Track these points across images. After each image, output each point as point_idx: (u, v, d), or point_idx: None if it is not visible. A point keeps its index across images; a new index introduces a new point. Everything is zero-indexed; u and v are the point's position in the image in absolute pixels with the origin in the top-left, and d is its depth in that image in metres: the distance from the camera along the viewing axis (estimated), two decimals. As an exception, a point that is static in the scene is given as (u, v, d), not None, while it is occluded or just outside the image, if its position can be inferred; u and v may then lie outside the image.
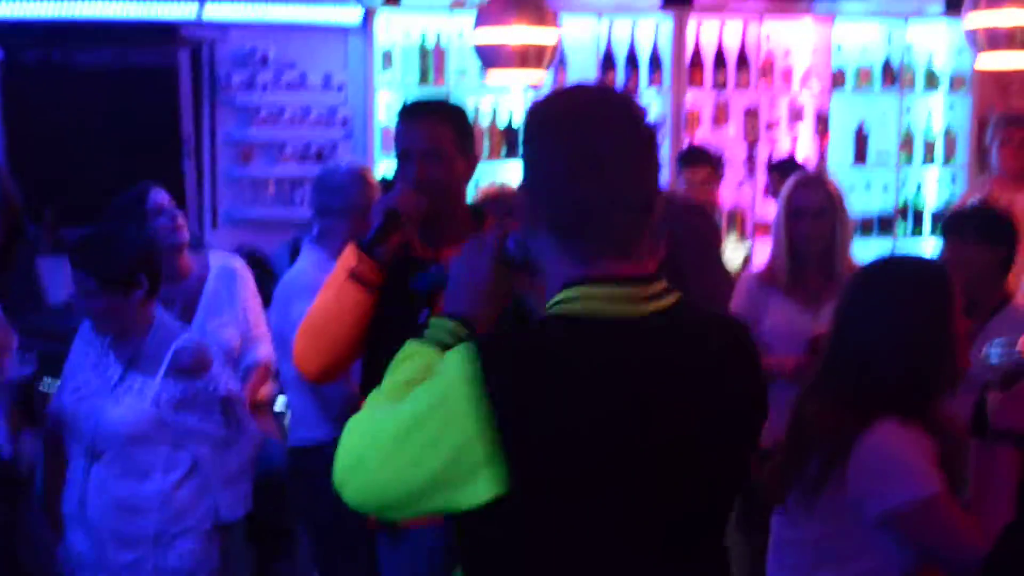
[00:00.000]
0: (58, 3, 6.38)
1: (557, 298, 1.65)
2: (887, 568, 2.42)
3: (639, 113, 1.67)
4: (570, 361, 1.58)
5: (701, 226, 4.68)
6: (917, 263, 2.67)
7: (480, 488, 1.56)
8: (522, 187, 1.70)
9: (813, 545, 2.53)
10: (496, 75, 5.53)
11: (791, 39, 7.13)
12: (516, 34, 5.23)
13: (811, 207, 3.74)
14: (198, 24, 6.63)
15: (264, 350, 4.10)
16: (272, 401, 4.33)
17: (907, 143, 7.21)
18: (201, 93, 6.80)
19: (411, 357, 1.79)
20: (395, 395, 1.70)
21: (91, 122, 6.71)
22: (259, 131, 6.81)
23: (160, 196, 3.95)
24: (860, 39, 7.19)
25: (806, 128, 7.12)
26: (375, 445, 1.63)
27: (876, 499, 2.37)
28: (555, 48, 5.40)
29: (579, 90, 1.76)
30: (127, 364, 3.23)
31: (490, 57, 5.35)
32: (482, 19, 5.35)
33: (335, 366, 2.86)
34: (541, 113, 1.70)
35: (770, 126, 7.07)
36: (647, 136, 1.66)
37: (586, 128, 1.63)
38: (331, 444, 3.28)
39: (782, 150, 7.03)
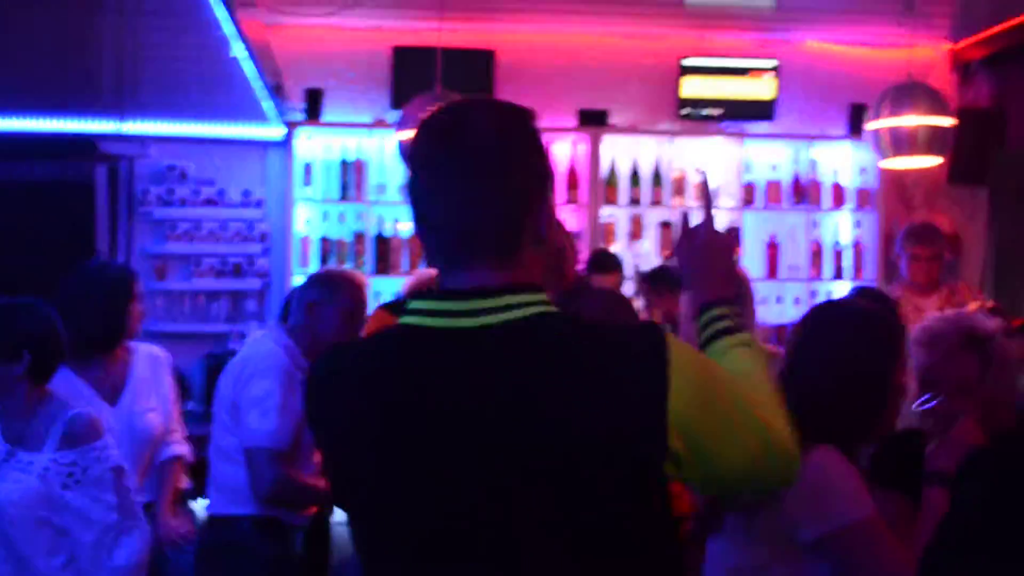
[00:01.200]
0: None
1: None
2: None
3: (485, 139, 1.64)
4: (352, 367, 1.69)
5: (617, 309, 4.67)
6: (868, 308, 2.71)
7: None
8: None
9: (751, 572, 2.50)
10: None
11: (702, 157, 7.29)
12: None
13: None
14: (117, 138, 6.71)
15: (181, 445, 4.05)
16: (188, 496, 4.27)
17: (816, 257, 7.37)
18: (118, 207, 6.87)
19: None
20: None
21: (5, 234, 6.67)
22: (175, 245, 6.84)
23: (139, 284, 3.97)
24: (768, 158, 7.39)
25: None
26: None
27: (811, 523, 2.35)
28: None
29: (442, 111, 1.71)
30: (13, 443, 3.12)
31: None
32: (407, 118, 5.39)
33: None
34: (414, 134, 1.74)
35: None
36: (491, 160, 1.62)
37: (416, 153, 1.68)
38: (245, 519, 3.43)
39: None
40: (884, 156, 5.63)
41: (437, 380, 1.58)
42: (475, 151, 1.63)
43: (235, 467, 3.64)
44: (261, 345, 3.71)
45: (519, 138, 1.67)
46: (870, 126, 5.59)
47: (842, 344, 2.52)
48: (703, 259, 1.99)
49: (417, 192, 1.67)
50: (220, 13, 4.95)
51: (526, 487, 1.54)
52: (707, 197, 2.06)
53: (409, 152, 1.70)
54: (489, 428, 1.55)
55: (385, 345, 1.69)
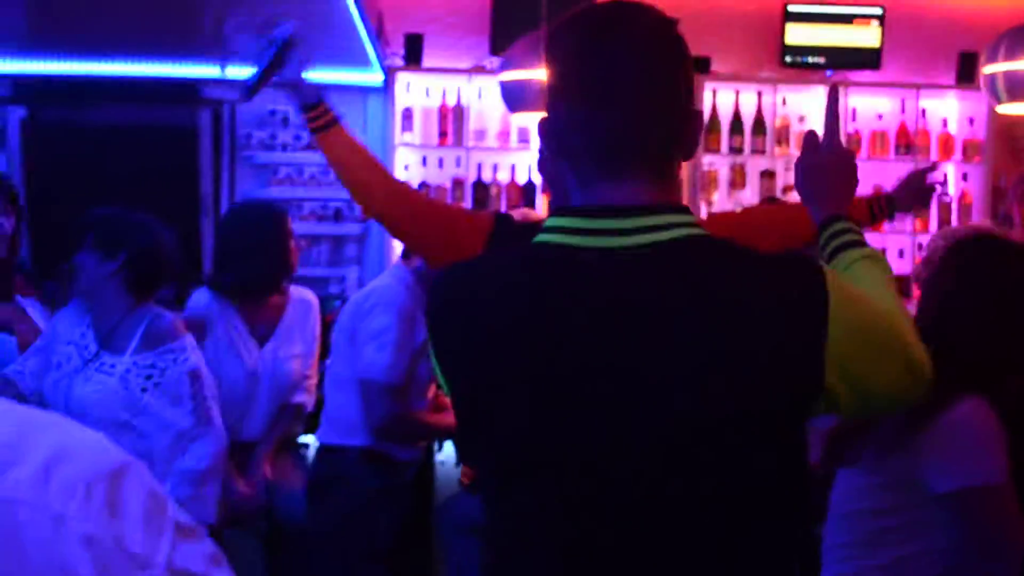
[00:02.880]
0: (79, 61, 6.42)
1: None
2: (938, 552, 2.36)
3: (646, 36, 1.54)
4: (487, 289, 1.55)
5: None
6: (1007, 243, 2.64)
7: None
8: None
9: (872, 516, 2.45)
10: (522, 118, 5.51)
11: (805, 106, 7.19)
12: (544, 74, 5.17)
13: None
14: (220, 83, 6.64)
15: (307, 393, 4.08)
16: (295, 439, 4.27)
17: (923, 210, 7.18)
18: (221, 152, 6.87)
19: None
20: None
21: (110, 180, 6.65)
22: (278, 190, 6.79)
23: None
24: (874, 108, 7.26)
25: None
26: None
27: (947, 475, 2.32)
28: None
29: (591, 9, 1.58)
30: (103, 345, 3.20)
31: (516, 97, 5.32)
32: (511, 59, 5.34)
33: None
34: (553, 30, 1.62)
35: (786, 189, 7.06)
36: (652, 58, 1.53)
37: (568, 46, 1.56)
38: (353, 450, 3.56)
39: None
40: (999, 102, 5.46)
41: (590, 304, 1.47)
42: (645, 46, 1.52)
43: (348, 398, 3.68)
44: (384, 281, 3.74)
45: (680, 43, 1.57)
46: (986, 70, 5.42)
47: (1012, 280, 2.45)
48: (828, 174, 1.94)
49: (566, 90, 1.54)
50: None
51: (679, 420, 1.44)
52: (834, 112, 1.99)
53: (557, 47, 1.58)
54: (646, 358, 1.44)
55: (525, 265, 1.55)
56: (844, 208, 1.89)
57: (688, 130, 1.57)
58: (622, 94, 1.51)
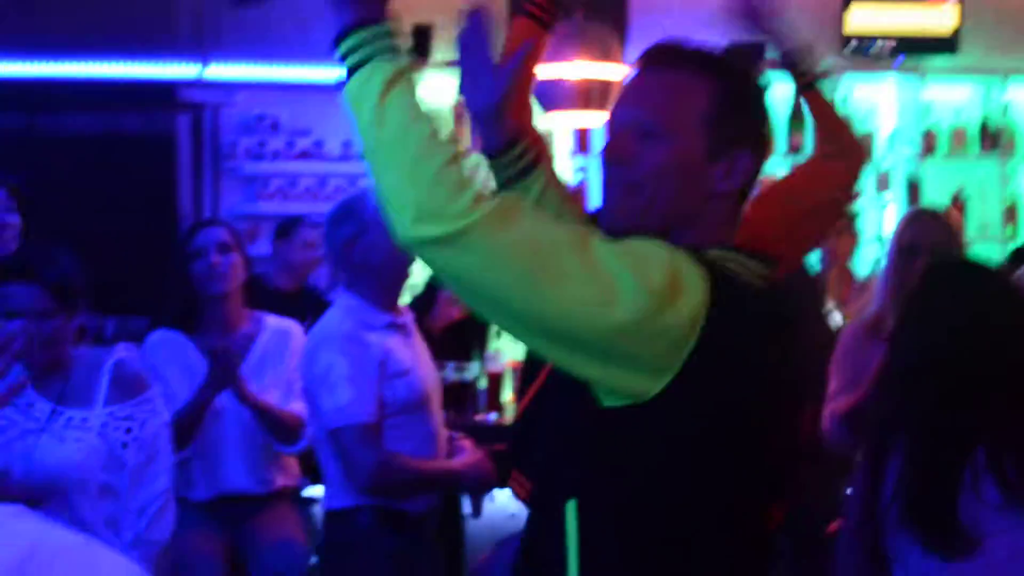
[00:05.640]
0: (37, 62, 6.32)
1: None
2: None
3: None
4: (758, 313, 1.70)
5: (799, 281, 4.44)
6: None
7: None
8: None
9: None
10: (553, 118, 5.23)
11: (874, 98, 6.84)
12: (578, 70, 4.84)
13: (928, 243, 3.48)
14: (199, 85, 6.47)
15: (300, 405, 3.83)
16: (298, 489, 4.13)
17: (1011, 214, 6.76)
18: (202, 162, 6.64)
19: None
20: None
21: (75, 198, 6.39)
22: (267, 205, 6.59)
23: (210, 235, 3.86)
24: (952, 99, 6.86)
25: (896, 197, 6.73)
26: None
27: None
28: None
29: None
30: (57, 400, 3.02)
31: (547, 96, 4.84)
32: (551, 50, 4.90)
33: None
34: (733, 69, 1.80)
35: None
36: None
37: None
38: (362, 511, 3.34)
39: (870, 220, 6.60)
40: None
41: (775, 332, 1.73)
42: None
43: (334, 457, 3.47)
44: (323, 318, 3.50)
45: None
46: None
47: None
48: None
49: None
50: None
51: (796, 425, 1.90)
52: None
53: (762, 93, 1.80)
54: (789, 377, 1.75)
55: (772, 296, 1.74)
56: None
57: None
58: None
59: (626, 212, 1.72)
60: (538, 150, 2.18)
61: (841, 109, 2.50)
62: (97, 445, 2.99)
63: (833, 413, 3.31)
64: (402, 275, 3.24)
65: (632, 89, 1.75)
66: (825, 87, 2.46)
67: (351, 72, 1.59)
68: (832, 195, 2.59)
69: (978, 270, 2.54)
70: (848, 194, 2.62)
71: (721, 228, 1.70)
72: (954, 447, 2.21)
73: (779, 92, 6.27)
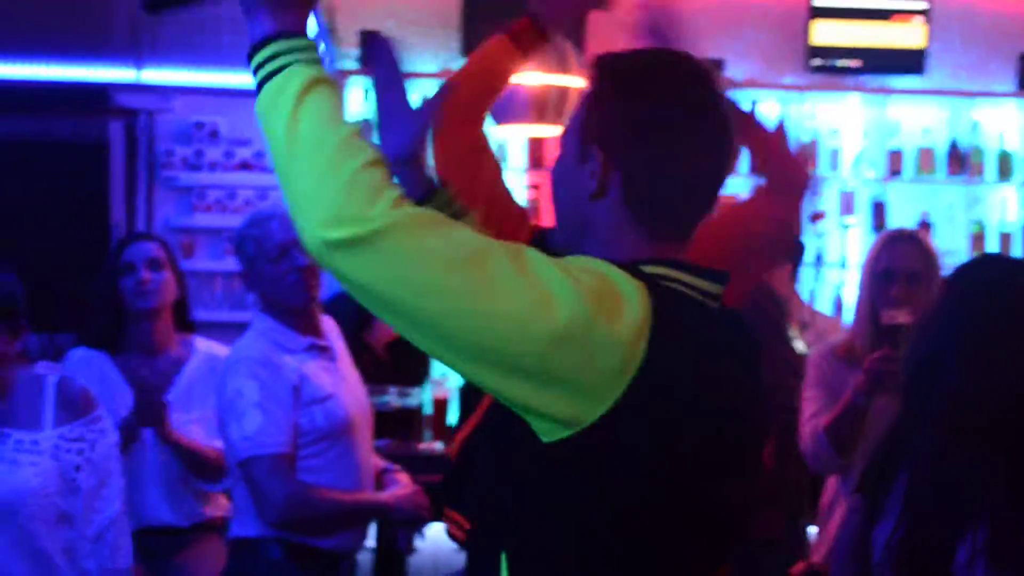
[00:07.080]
0: None
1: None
2: None
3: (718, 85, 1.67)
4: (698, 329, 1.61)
5: (765, 304, 4.34)
6: None
7: None
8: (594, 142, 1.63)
9: None
10: (505, 131, 5.18)
11: (839, 117, 6.70)
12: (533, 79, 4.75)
13: (904, 269, 3.47)
14: (134, 89, 6.39)
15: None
16: (228, 520, 3.89)
17: (978, 240, 6.65)
18: (136, 171, 6.54)
19: None
20: None
21: (4, 203, 6.41)
22: (204, 218, 6.51)
23: (140, 251, 3.74)
24: (919, 120, 6.71)
25: (860, 220, 6.60)
26: None
27: None
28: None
29: (655, 53, 1.83)
30: (1, 424, 2.94)
31: (499, 108, 4.62)
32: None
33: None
34: (614, 69, 1.67)
35: (815, 217, 6.51)
36: (725, 113, 1.65)
37: (683, 95, 1.63)
38: (271, 543, 3.25)
39: (833, 244, 6.54)
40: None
41: (728, 360, 1.65)
42: (729, 106, 1.70)
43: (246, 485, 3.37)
44: (237, 342, 3.42)
45: None
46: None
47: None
48: None
49: (673, 139, 1.61)
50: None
51: (751, 465, 1.71)
52: None
53: (667, 92, 1.63)
54: (747, 410, 1.66)
55: (726, 316, 1.69)
56: None
57: None
58: (725, 152, 1.72)
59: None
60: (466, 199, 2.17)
61: (779, 136, 2.41)
62: (51, 468, 2.92)
63: (815, 430, 3.25)
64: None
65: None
66: (759, 112, 2.40)
67: (263, 83, 1.53)
68: (771, 236, 2.51)
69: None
70: (789, 233, 2.53)
71: (620, 237, 1.60)
72: (959, 504, 2.09)
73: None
